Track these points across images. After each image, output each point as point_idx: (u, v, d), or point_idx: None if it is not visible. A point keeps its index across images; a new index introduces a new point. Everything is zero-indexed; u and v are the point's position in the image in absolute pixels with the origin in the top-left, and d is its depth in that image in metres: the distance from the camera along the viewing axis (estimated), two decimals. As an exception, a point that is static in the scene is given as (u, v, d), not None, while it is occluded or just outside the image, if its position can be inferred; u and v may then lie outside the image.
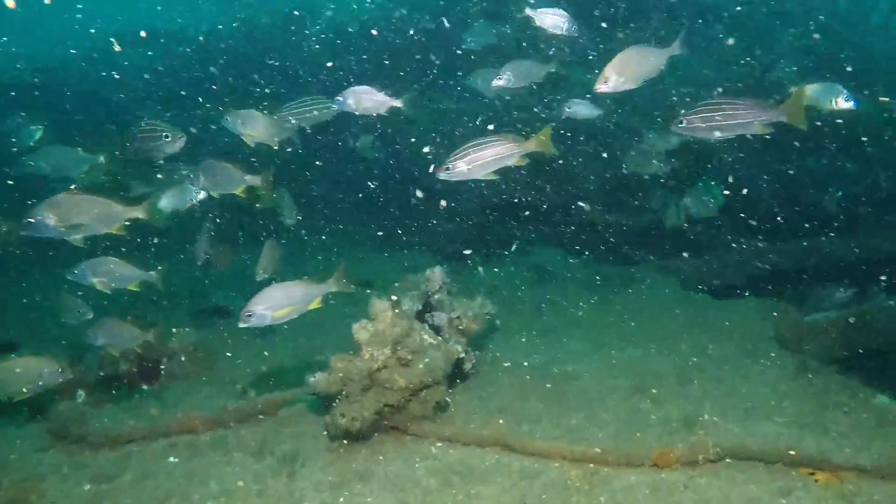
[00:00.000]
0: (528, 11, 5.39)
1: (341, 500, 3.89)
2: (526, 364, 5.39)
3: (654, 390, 4.74)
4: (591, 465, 4.00)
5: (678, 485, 3.78)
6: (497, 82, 5.62)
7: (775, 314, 5.80)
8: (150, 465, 4.41)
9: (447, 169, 4.04)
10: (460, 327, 5.11)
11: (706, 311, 6.23)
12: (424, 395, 4.44)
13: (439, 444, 4.34)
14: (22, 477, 4.34)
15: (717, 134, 3.85)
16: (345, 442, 4.37)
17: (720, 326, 5.84)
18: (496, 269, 8.01)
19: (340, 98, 4.87)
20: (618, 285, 7.15)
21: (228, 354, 6.06)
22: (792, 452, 3.84)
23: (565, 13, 5.42)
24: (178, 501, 3.97)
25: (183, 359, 5.61)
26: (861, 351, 5.68)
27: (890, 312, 5.76)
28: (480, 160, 4.05)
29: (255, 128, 5.14)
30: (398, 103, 4.86)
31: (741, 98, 3.91)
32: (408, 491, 3.90)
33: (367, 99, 4.81)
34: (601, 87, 4.11)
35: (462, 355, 4.97)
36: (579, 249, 8.20)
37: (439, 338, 4.83)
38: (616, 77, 4.06)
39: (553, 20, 5.41)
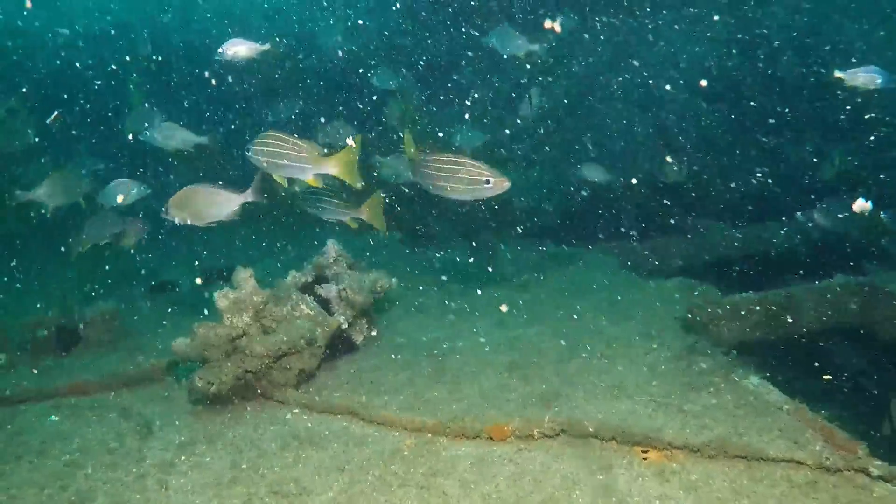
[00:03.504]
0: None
1: (182, 458, 3.98)
2: (419, 339, 5.37)
3: (528, 367, 4.65)
4: (429, 435, 3.97)
5: (504, 458, 3.70)
6: None
7: (692, 295, 5.60)
8: (29, 423, 4.61)
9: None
10: (348, 299, 5.12)
11: (627, 291, 6.04)
12: (287, 363, 4.49)
13: (296, 411, 4.39)
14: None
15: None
16: (206, 406, 4.47)
17: (633, 306, 5.65)
18: (441, 253, 7.99)
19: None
20: (555, 266, 7.01)
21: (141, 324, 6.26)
22: (627, 430, 3.70)
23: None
24: (35, 456, 4.15)
25: (98, 328, 5.81)
26: (781, 335, 5.45)
27: (820, 294, 5.50)
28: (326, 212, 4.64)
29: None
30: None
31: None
32: (244, 452, 3.96)
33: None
34: (164, 215, 4.33)
35: (345, 326, 5.01)
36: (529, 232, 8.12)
37: (319, 308, 4.87)
38: (176, 210, 4.24)
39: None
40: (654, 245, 7.59)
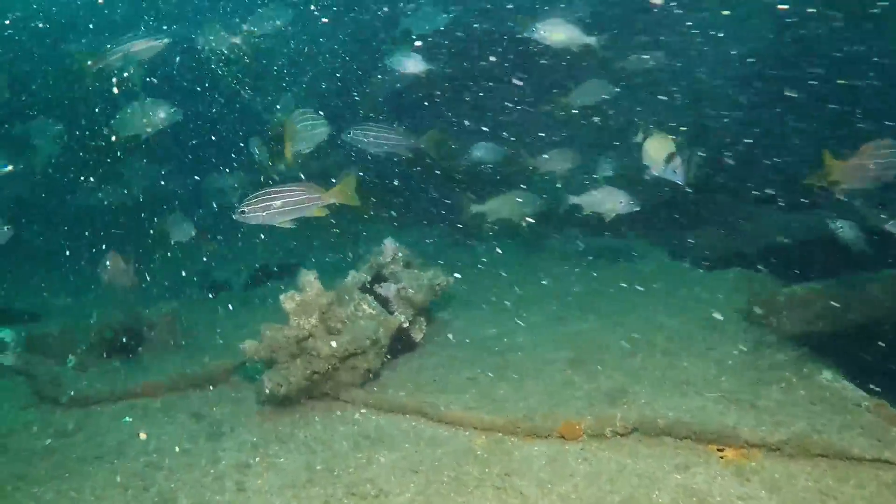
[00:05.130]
0: None
1: (256, 459, 4.06)
2: (479, 336, 5.39)
3: (592, 363, 4.64)
4: (500, 434, 3.99)
5: (578, 457, 3.71)
6: None
7: (751, 286, 5.52)
8: (106, 424, 4.75)
9: (242, 212, 4.32)
10: (407, 298, 5.16)
11: (682, 283, 5.98)
12: (353, 363, 4.55)
13: (363, 411, 4.44)
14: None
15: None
16: (275, 406, 4.55)
17: (690, 298, 5.60)
18: (492, 244, 8.00)
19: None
20: (607, 258, 6.96)
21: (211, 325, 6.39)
22: (702, 428, 3.68)
23: None
24: (115, 457, 4.27)
25: (161, 329, 5.95)
26: (847, 325, 5.32)
27: (886, 283, 5.35)
28: (277, 208, 4.32)
29: None
30: None
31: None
32: (318, 453, 4.03)
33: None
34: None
35: (405, 325, 5.05)
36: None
37: (380, 308, 4.92)
38: (105, 275, 5.15)
39: None
40: (704, 235, 7.46)
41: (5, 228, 4.71)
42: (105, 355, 5.86)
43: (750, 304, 5.14)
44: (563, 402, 4.18)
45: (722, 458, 3.55)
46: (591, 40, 6.72)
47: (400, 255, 5.51)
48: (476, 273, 7.16)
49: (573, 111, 6.45)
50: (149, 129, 5.18)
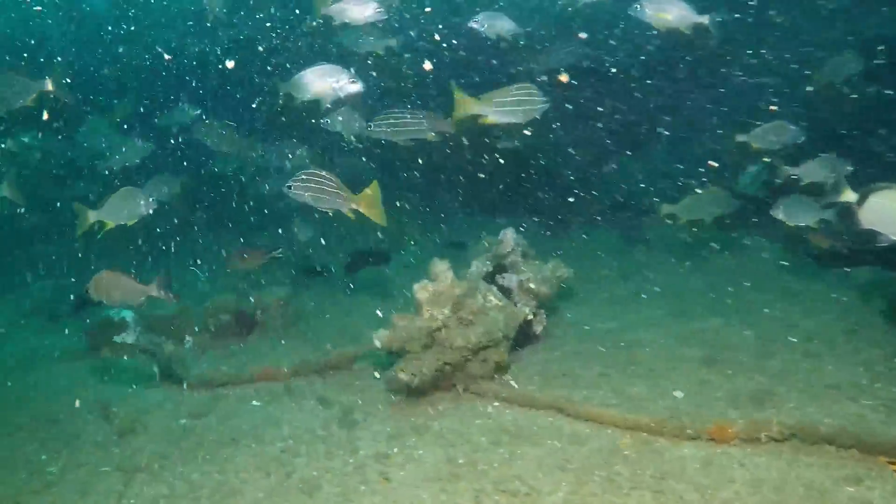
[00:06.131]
0: None
1: (395, 450, 4.07)
2: (598, 329, 5.29)
3: (726, 362, 4.49)
4: (645, 434, 3.89)
5: (733, 462, 3.58)
6: None
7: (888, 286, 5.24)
8: (235, 407, 4.85)
9: (289, 187, 4.31)
10: (530, 290, 5.08)
11: (807, 281, 5.73)
12: (484, 356, 4.51)
13: (496, 404, 4.40)
14: (133, 409, 4.95)
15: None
16: (405, 397, 4.55)
17: (820, 298, 5.36)
18: (585, 236, 7.82)
19: None
20: (716, 249, 6.73)
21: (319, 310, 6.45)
22: (870, 438, 3.50)
23: None
24: (251, 440, 4.35)
25: (273, 313, 6.03)
26: None
27: None
28: (317, 192, 4.29)
29: None
30: None
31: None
32: (457, 446, 4.01)
33: None
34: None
35: (530, 317, 4.98)
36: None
37: (506, 300, 4.86)
38: (94, 291, 4.44)
39: None
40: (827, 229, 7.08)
41: (150, 199, 4.68)
42: (220, 337, 6.00)
43: (892, 306, 4.89)
44: (705, 403, 4.05)
45: (895, 472, 3.38)
46: (704, 19, 6.22)
47: (519, 245, 5.42)
48: (577, 266, 7.00)
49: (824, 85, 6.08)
50: (322, 97, 4.89)
